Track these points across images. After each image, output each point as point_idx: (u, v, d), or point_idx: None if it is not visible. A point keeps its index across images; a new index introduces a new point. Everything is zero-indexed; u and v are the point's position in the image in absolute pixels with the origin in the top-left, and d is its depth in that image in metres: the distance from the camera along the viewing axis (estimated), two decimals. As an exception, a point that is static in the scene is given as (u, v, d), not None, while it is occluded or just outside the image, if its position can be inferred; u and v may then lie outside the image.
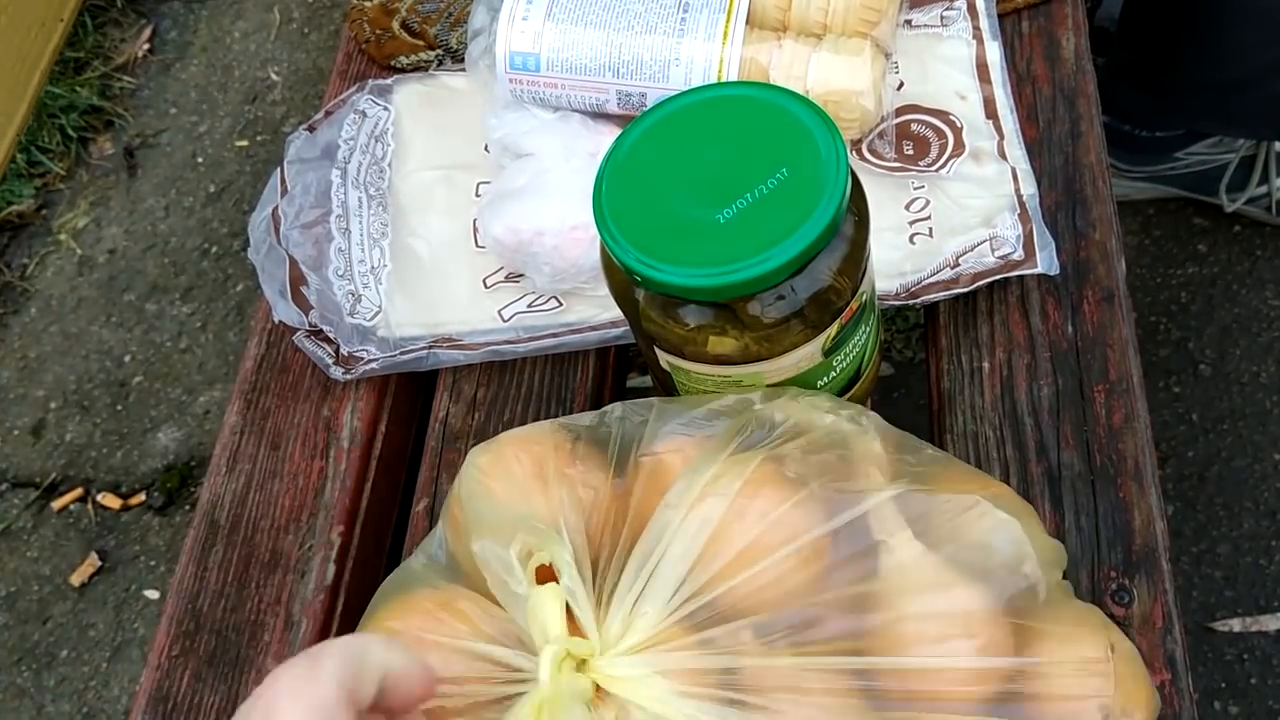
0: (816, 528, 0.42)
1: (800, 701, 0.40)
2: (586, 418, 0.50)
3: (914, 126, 0.67)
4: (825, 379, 0.53)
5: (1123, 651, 0.45)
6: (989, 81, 0.68)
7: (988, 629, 0.42)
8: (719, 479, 0.43)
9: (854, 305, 0.50)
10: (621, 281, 0.50)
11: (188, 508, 1.34)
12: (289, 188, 0.72)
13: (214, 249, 1.52)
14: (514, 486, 0.47)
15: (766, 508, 0.43)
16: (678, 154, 0.48)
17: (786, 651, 0.41)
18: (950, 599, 0.42)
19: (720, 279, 0.45)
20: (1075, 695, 0.42)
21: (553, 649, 0.40)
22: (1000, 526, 0.44)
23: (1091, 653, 0.43)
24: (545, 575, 0.42)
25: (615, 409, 0.49)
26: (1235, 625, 1.06)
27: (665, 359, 0.52)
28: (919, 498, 0.44)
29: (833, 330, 0.50)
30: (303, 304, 0.68)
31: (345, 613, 0.62)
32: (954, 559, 0.43)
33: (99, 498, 1.36)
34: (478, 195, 0.71)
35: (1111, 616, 0.53)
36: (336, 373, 0.66)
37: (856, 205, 0.49)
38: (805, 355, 0.50)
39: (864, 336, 0.54)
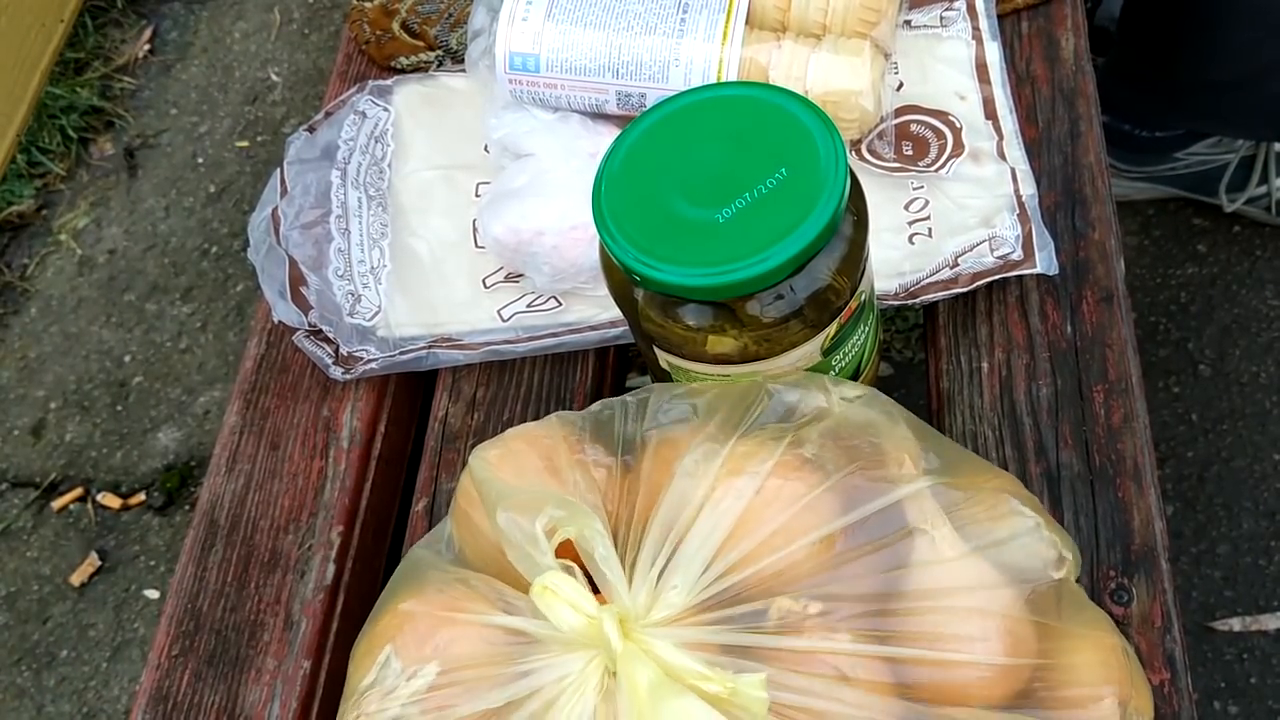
0: (851, 513, 0.42)
1: (829, 684, 0.40)
2: (589, 409, 0.50)
3: (913, 127, 0.67)
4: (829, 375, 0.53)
5: (1132, 657, 0.45)
6: (988, 82, 0.68)
7: (1017, 627, 0.42)
8: (749, 457, 0.43)
9: (853, 305, 0.51)
10: (621, 281, 0.50)
11: (188, 508, 1.34)
12: (289, 188, 0.72)
13: (214, 249, 1.52)
14: (525, 478, 0.47)
15: (801, 490, 0.43)
16: (677, 154, 0.48)
17: (815, 635, 0.41)
18: (982, 594, 0.42)
19: (719, 278, 0.45)
20: (1092, 693, 0.42)
21: (613, 611, 0.40)
22: (1027, 523, 0.44)
23: (1107, 650, 0.43)
24: (564, 553, 0.42)
25: (615, 399, 0.49)
26: (1235, 625, 1.06)
27: (665, 358, 0.52)
28: (947, 490, 0.44)
29: (832, 330, 0.50)
30: (302, 304, 0.68)
31: (345, 612, 0.62)
32: (982, 553, 0.43)
33: (99, 498, 1.36)
34: (477, 195, 0.72)
35: (1111, 616, 0.53)
36: (336, 373, 0.66)
37: (855, 205, 0.49)
38: (804, 354, 0.50)
39: (863, 336, 0.54)
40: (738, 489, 0.43)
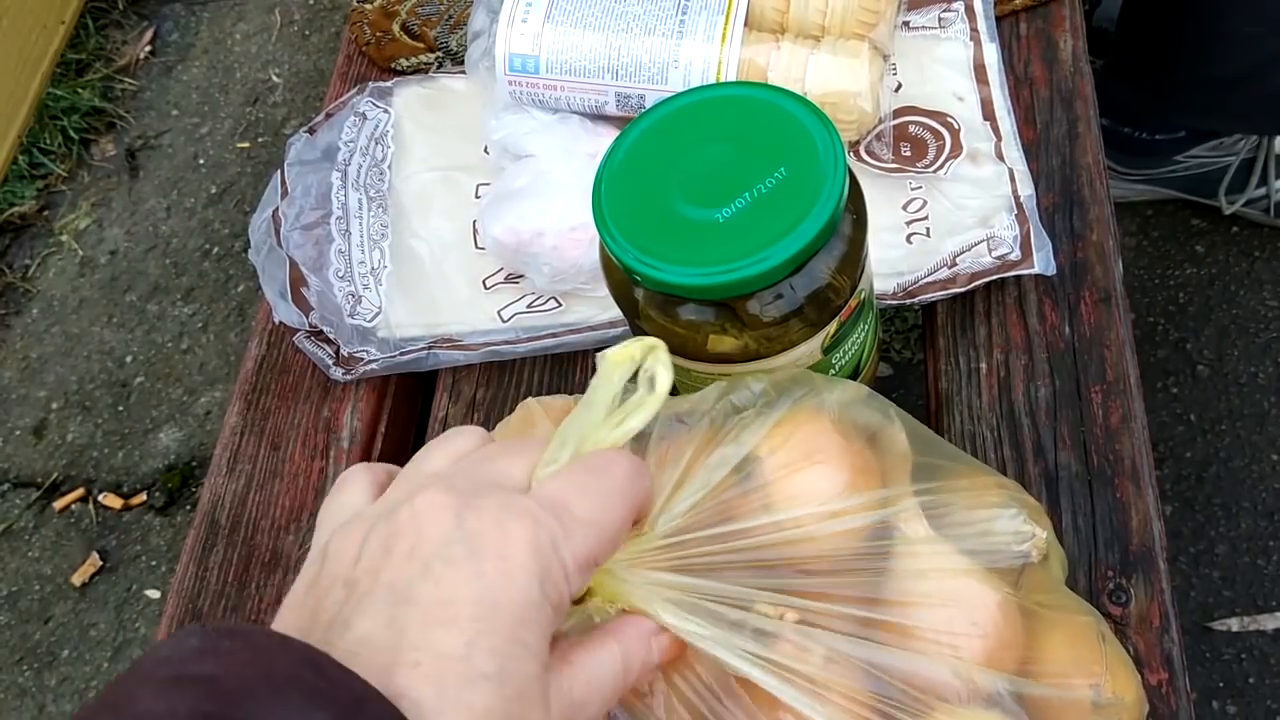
0: (834, 501, 0.42)
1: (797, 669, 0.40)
2: None
3: (912, 128, 0.67)
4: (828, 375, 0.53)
5: (1113, 642, 0.45)
6: (986, 83, 0.68)
7: (994, 618, 0.42)
8: (739, 431, 0.43)
9: (852, 303, 0.51)
10: (621, 280, 0.50)
11: (189, 508, 1.34)
12: (289, 189, 0.72)
13: (215, 250, 1.52)
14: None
15: (785, 461, 0.43)
16: (677, 153, 0.49)
17: (791, 614, 0.41)
18: (957, 589, 0.42)
19: (719, 278, 0.45)
20: (1062, 677, 0.42)
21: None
22: (1011, 519, 0.44)
23: (1080, 633, 0.44)
24: None
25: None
26: (1233, 625, 1.06)
27: (665, 359, 0.52)
28: (936, 488, 0.44)
29: (832, 328, 0.50)
30: (303, 305, 0.68)
31: (345, 612, 0.62)
32: (965, 547, 0.43)
33: (100, 498, 1.36)
34: (477, 197, 0.72)
35: (1109, 616, 0.53)
36: (337, 373, 0.66)
37: (854, 204, 0.49)
38: (805, 353, 0.50)
39: (863, 334, 0.54)
40: (723, 456, 0.42)
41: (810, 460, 0.43)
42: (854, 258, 0.49)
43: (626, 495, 0.35)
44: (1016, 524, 0.44)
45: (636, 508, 0.36)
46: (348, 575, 0.33)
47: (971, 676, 0.41)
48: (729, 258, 0.45)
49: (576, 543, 0.33)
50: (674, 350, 0.51)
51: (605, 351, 0.39)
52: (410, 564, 0.32)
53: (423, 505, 0.33)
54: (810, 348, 0.51)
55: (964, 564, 0.43)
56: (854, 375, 0.56)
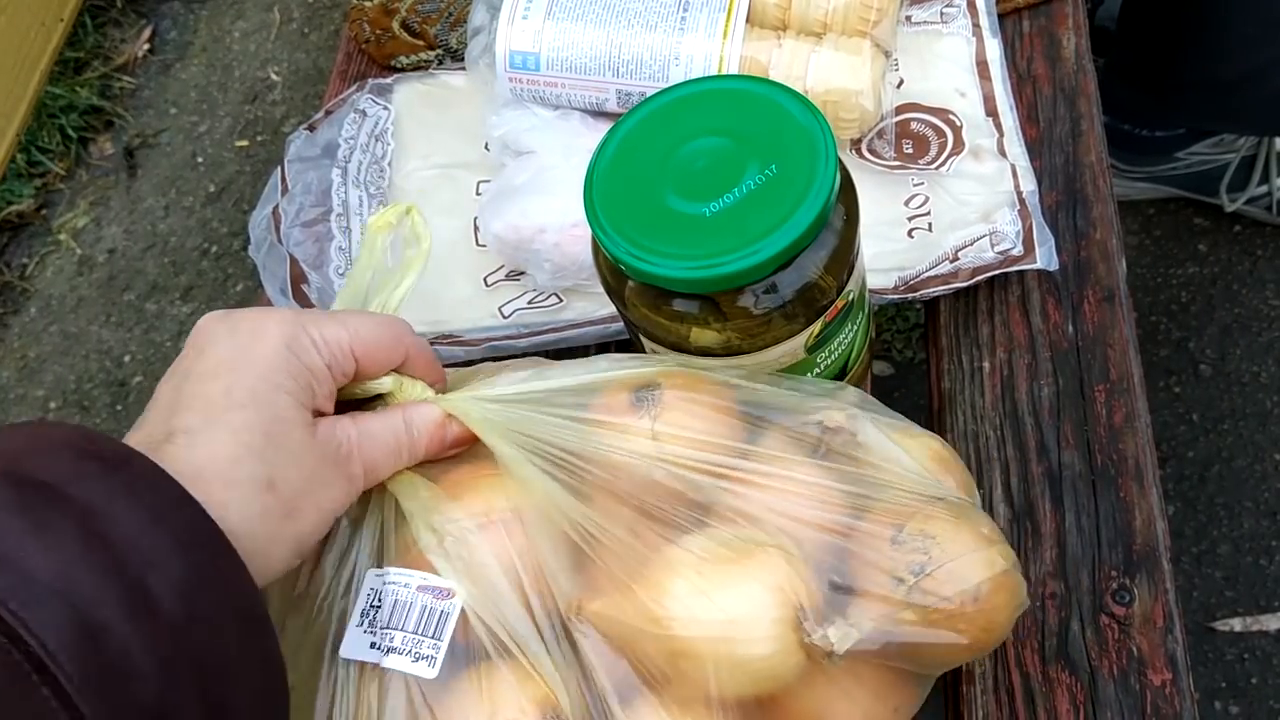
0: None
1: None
2: None
3: (914, 125, 0.67)
4: (808, 375, 0.53)
5: (962, 513, 0.44)
6: (988, 78, 0.68)
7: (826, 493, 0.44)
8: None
9: (840, 303, 0.50)
10: (611, 271, 0.50)
11: (187, 507, 1.34)
12: (289, 186, 0.72)
13: (214, 249, 1.52)
14: None
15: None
16: (668, 147, 0.48)
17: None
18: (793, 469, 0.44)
19: (704, 271, 0.45)
20: (882, 518, 0.43)
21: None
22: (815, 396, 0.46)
23: (921, 493, 0.44)
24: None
25: None
26: (1236, 625, 1.06)
27: (651, 348, 0.52)
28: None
29: (816, 327, 0.50)
30: (304, 302, 0.68)
31: (344, 611, 0.62)
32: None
33: (98, 498, 1.36)
34: (478, 194, 0.71)
35: (1113, 616, 0.53)
36: (336, 371, 0.66)
37: (846, 201, 0.49)
38: (787, 351, 0.50)
39: (850, 335, 0.54)
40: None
41: None
42: (843, 256, 0.49)
43: (387, 321, 0.45)
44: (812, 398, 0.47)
45: (397, 334, 0.46)
46: (154, 396, 0.42)
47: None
48: (715, 252, 0.45)
49: (326, 327, 0.42)
50: (659, 341, 0.51)
51: (368, 220, 0.46)
52: (187, 359, 0.41)
53: (199, 324, 0.42)
54: (793, 345, 0.50)
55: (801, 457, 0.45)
56: (840, 376, 0.55)
